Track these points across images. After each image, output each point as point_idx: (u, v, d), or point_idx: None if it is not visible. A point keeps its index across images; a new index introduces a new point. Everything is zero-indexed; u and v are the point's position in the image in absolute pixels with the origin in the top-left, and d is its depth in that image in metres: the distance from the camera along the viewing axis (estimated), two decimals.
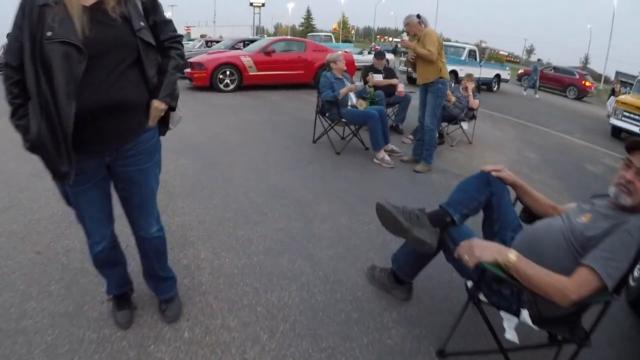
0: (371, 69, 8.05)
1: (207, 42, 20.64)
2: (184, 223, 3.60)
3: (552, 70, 25.98)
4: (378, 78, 7.56)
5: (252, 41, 16.23)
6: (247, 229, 3.58)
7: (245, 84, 11.87)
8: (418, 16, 5.51)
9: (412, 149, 6.10)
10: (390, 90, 7.63)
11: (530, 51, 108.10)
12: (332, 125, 6.28)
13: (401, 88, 7.77)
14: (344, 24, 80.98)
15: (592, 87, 24.32)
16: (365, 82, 7.49)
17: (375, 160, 5.78)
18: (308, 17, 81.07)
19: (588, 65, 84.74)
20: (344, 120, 5.99)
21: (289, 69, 12.49)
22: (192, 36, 47.32)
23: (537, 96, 20.12)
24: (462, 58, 17.72)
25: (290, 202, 4.21)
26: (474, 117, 7.67)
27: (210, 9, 47.76)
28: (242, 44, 16.57)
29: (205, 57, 11.99)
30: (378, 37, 79.39)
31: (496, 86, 19.97)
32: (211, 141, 6.39)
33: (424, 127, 5.61)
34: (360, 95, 6.46)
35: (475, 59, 18.45)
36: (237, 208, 3.99)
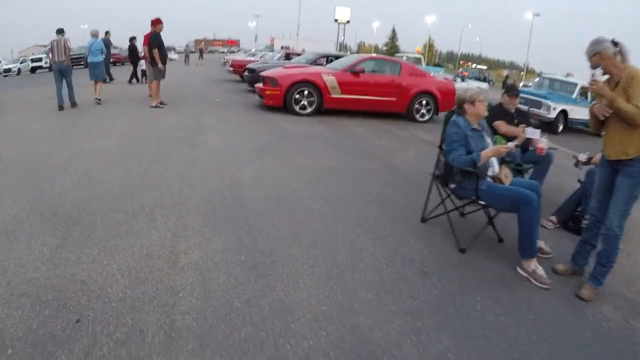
0: (499, 110, 5.60)
1: (287, 54, 18.99)
2: None
3: None
4: (535, 136, 4.97)
5: (337, 57, 14.22)
6: None
7: (325, 108, 9.78)
8: (614, 43, 3.07)
9: (572, 255, 3.58)
10: (524, 144, 5.07)
11: None
12: (461, 207, 3.96)
13: (543, 143, 5.18)
14: (429, 47, 78.14)
15: None
16: (495, 132, 5.02)
17: (520, 271, 3.36)
18: (393, 37, 79.02)
19: None
20: (481, 202, 3.63)
21: (379, 94, 10.26)
22: (275, 48, 47.01)
23: None
24: (574, 96, 14.50)
25: None
26: None
27: (295, 21, 47.21)
28: (324, 60, 14.67)
29: (281, 71, 10.06)
30: (461, 62, 75.52)
31: None
32: (267, 202, 4.26)
33: (599, 225, 3.28)
34: (503, 159, 4.04)
35: (586, 98, 15.18)
36: None
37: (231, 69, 18.37)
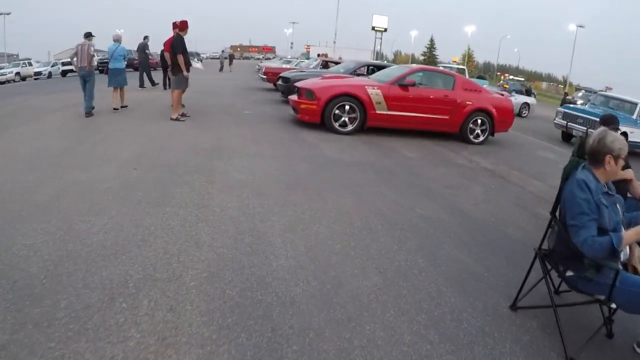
0: None
1: (325, 62, 17.81)
2: None
3: None
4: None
5: (379, 67, 12.98)
6: None
7: (368, 125, 8.51)
8: None
9: None
10: (622, 187, 3.62)
11: None
12: (580, 304, 2.65)
13: None
14: (468, 57, 75.83)
15: None
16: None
17: None
18: (431, 46, 77.02)
19: None
20: (613, 306, 2.32)
21: (430, 112, 8.91)
22: (311, 55, 46.12)
23: None
24: (634, 117, 12.77)
25: None
26: None
27: (331, 29, 46.15)
28: (364, 69, 13.43)
29: (319, 82, 8.84)
30: (498, 73, 72.73)
31: None
32: (300, 280, 3.00)
33: None
34: None
35: None
36: None
37: (264, 77, 17.15)
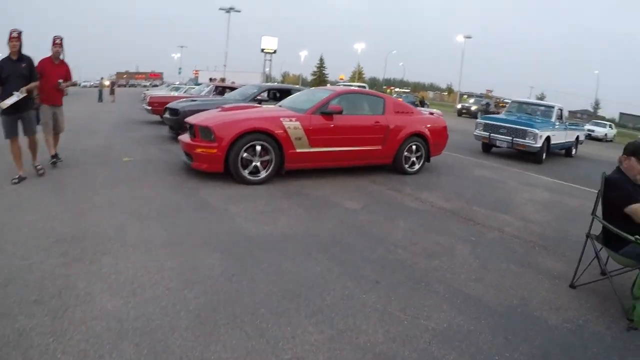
0: (622, 181, 3.55)
1: (220, 88, 15.55)
2: None
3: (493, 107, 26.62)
4: None
5: (284, 92, 11.20)
6: None
7: (288, 169, 6.62)
8: None
9: None
10: None
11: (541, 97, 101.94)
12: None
13: None
14: (359, 74, 77.34)
15: None
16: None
17: None
18: (321, 65, 77.25)
19: (599, 110, 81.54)
20: None
21: (360, 143, 7.29)
22: (201, 80, 43.08)
23: None
24: (553, 120, 12.70)
25: None
26: None
27: (220, 53, 43.68)
28: (266, 94, 11.60)
29: (218, 116, 6.76)
30: (384, 87, 74.61)
31: (575, 150, 15.37)
32: None
33: None
34: None
35: (561, 119, 13.40)
36: None
37: (149, 107, 14.37)
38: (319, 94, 7.50)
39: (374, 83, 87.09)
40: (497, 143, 12.04)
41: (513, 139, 11.53)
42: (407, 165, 7.98)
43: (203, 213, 4.85)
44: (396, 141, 7.66)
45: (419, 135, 7.99)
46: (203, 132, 6.32)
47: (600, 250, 3.65)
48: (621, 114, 77.49)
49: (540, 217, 6.07)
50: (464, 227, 5.15)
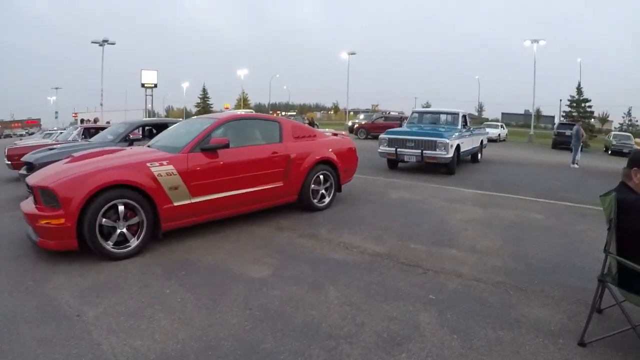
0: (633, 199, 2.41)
1: (87, 129, 13.12)
2: None
3: (383, 120, 28.68)
4: None
5: (160, 126, 9.41)
6: None
7: (164, 230, 4.88)
8: None
9: None
10: None
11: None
12: None
13: None
14: (244, 100, 75.82)
15: None
16: None
17: None
18: (205, 95, 74.46)
19: (483, 113, 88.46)
20: None
21: (257, 182, 5.80)
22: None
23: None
24: (459, 127, 12.39)
25: None
26: None
27: (98, 92, 39.43)
28: (140, 131, 9.76)
29: (63, 169, 4.83)
30: (270, 112, 73.96)
31: (480, 155, 15.41)
32: None
33: None
34: None
35: (466, 125, 13.25)
36: None
37: (9, 162, 11.19)
38: (197, 126, 5.84)
39: (259, 109, 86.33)
40: (405, 158, 11.23)
41: (422, 151, 10.79)
42: (315, 200, 6.65)
43: (46, 327, 3.01)
44: (300, 173, 6.29)
45: (326, 162, 6.72)
46: (45, 196, 4.42)
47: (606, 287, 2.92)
48: (503, 114, 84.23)
49: (490, 244, 5.05)
50: (414, 281, 3.88)
